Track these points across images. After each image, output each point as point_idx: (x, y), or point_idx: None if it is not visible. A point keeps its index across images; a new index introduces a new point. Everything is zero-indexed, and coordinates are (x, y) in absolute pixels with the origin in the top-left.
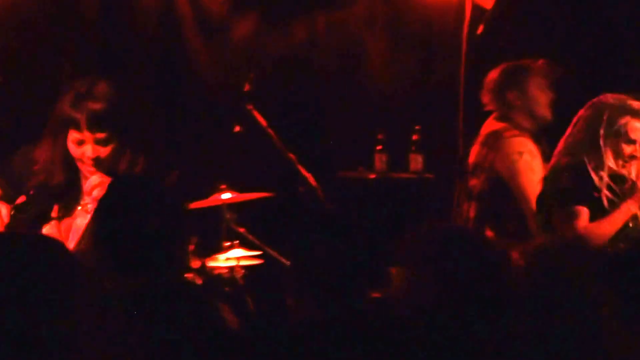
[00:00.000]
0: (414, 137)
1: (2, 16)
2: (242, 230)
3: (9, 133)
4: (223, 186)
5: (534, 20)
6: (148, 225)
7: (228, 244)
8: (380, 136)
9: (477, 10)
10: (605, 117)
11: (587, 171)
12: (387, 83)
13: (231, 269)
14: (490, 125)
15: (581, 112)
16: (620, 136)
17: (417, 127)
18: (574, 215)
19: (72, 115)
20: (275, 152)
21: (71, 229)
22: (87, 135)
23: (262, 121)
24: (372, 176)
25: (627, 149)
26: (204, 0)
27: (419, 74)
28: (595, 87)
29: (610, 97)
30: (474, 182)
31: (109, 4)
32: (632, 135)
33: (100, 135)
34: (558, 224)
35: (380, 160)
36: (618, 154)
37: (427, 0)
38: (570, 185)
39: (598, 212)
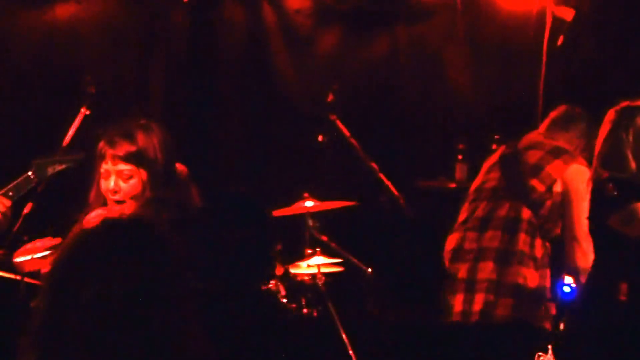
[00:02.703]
0: (460, 147)
1: (95, 29)
2: (324, 238)
3: None
4: (306, 194)
5: (613, 33)
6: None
7: (310, 251)
8: (460, 146)
9: (558, 22)
10: (625, 120)
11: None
12: (467, 94)
13: (313, 276)
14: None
15: (607, 124)
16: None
17: (496, 137)
18: (633, 212)
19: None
20: (357, 162)
21: None
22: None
23: (345, 131)
24: (453, 185)
25: None
26: (289, 13)
27: (499, 85)
28: None
29: (632, 104)
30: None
31: (198, 17)
32: None
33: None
34: (620, 228)
35: (460, 170)
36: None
37: (507, 13)
38: (615, 191)
39: None
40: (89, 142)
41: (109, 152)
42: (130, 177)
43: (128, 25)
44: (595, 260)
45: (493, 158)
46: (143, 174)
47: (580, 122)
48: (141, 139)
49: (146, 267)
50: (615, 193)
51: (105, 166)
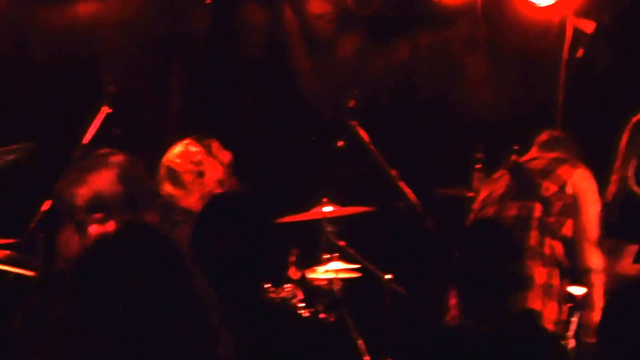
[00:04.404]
0: (478, 155)
1: (116, 28)
2: (342, 243)
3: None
4: (325, 199)
5: (632, 44)
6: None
7: (327, 256)
8: (478, 155)
9: (578, 33)
10: None
11: None
12: (487, 102)
13: (330, 281)
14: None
15: (626, 137)
16: None
17: (515, 147)
18: None
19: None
20: (377, 168)
21: None
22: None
23: (365, 137)
24: (470, 194)
25: None
26: (311, 18)
27: (518, 94)
28: None
29: None
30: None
31: (219, 21)
32: None
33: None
34: None
35: (478, 179)
36: None
37: (528, 22)
38: None
39: None
40: (108, 140)
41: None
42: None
43: (148, 24)
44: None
45: (498, 172)
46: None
47: (565, 145)
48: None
49: (163, 272)
50: None
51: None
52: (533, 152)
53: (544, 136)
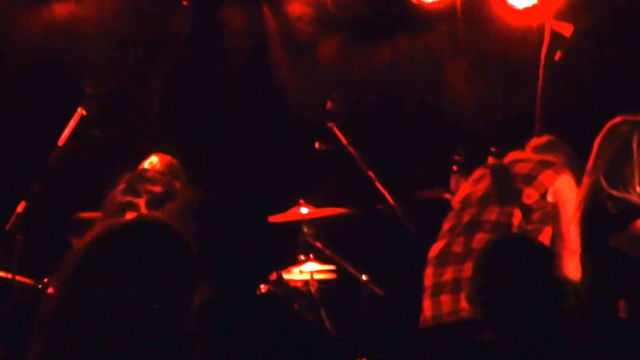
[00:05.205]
0: (456, 158)
1: (94, 29)
2: (318, 244)
3: None
4: (301, 201)
5: (612, 48)
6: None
7: (303, 257)
8: (456, 157)
9: (556, 37)
10: (635, 135)
11: (628, 192)
12: (466, 106)
13: (306, 282)
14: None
15: (615, 140)
16: None
17: (493, 150)
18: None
19: (131, 201)
20: (354, 170)
21: None
22: None
23: (343, 139)
24: (447, 196)
25: None
26: (290, 20)
27: (498, 98)
28: None
29: (628, 117)
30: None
31: (199, 23)
32: None
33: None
34: (625, 248)
35: (455, 181)
36: None
37: (508, 26)
38: (617, 210)
39: None
40: (84, 142)
41: None
42: None
43: (128, 26)
44: (594, 277)
45: (478, 172)
46: None
47: (561, 151)
48: None
49: (167, 266)
50: (615, 212)
51: None
52: (521, 152)
53: (539, 139)
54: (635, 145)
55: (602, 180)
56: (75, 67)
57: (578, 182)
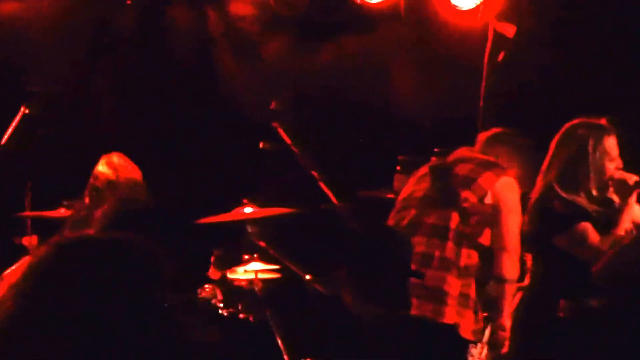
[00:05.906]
0: (399, 158)
1: (39, 27)
2: (262, 244)
3: None
4: (245, 201)
5: (554, 50)
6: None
7: (247, 257)
8: (400, 157)
9: (499, 38)
10: (591, 139)
11: (578, 195)
12: (411, 106)
13: (250, 281)
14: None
15: (571, 142)
16: (605, 155)
17: (436, 150)
18: (583, 233)
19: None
20: (298, 170)
21: None
22: None
23: (287, 139)
24: (391, 196)
25: (610, 167)
26: (234, 20)
27: (442, 98)
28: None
29: (586, 120)
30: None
31: (143, 23)
32: (613, 153)
33: None
34: (568, 248)
35: (399, 181)
36: (602, 174)
37: (452, 27)
38: (564, 211)
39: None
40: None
41: None
42: None
43: (73, 24)
44: (536, 277)
45: (422, 170)
46: None
47: (510, 143)
48: None
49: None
50: (562, 212)
51: None
52: (468, 150)
53: (488, 133)
54: (591, 149)
55: (554, 182)
56: (18, 66)
57: (531, 172)
